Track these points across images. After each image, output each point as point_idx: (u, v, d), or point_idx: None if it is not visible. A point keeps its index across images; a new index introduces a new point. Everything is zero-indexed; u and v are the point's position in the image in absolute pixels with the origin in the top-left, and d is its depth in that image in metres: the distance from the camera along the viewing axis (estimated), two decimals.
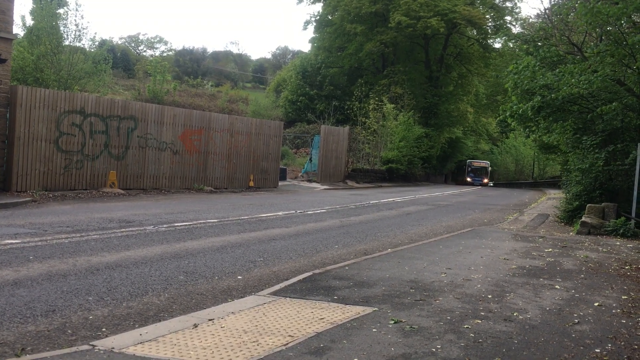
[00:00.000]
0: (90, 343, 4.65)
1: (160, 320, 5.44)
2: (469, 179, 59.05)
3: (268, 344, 4.66)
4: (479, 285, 7.23)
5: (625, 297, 7.03)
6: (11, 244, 8.71)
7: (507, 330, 5.37)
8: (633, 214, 13.71)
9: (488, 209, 21.49)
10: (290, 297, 6.26)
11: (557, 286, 7.45)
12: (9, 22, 16.25)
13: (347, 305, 5.99)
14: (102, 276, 7.03)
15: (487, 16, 45.14)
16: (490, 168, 62.85)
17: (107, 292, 6.33)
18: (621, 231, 13.30)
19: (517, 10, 47.92)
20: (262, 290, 6.74)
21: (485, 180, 59.12)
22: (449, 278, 7.61)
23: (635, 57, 13.57)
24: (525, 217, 18.32)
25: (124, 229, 10.80)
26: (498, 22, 44.98)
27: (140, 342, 4.62)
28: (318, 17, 47.46)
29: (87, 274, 7.08)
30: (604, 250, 11.01)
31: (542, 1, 44.39)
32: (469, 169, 59.82)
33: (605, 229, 13.59)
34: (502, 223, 16.31)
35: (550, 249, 10.73)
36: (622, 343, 5.16)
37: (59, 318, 5.37)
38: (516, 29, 37.79)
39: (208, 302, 6.26)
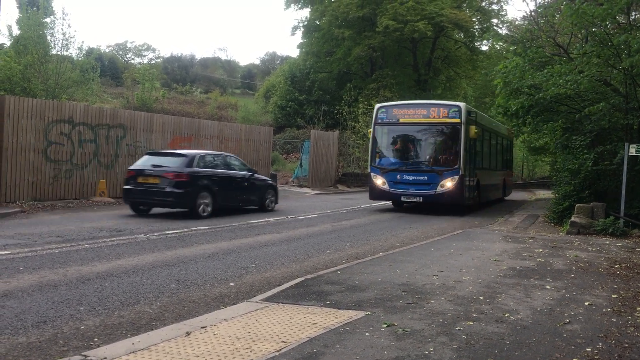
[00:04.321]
0: (82, 353, 4.63)
1: (152, 329, 5.43)
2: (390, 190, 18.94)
3: (261, 350, 4.66)
4: (470, 287, 7.26)
5: (615, 295, 7.08)
6: (0, 255, 8.66)
7: (498, 331, 5.39)
8: (621, 213, 13.81)
9: (478, 210, 21.55)
10: (282, 303, 6.26)
11: (547, 286, 7.50)
12: None
13: (340, 310, 6.00)
14: (93, 286, 7.01)
15: (474, 19, 45.38)
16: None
17: (98, 302, 6.30)
18: (610, 230, 13.39)
19: (503, 13, 48.24)
20: (255, 296, 6.74)
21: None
22: (440, 280, 7.63)
23: (621, 57, 13.69)
24: (515, 218, 18.39)
25: (114, 238, 10.76)
26: (485, 25, 45.24)
27: (133, 352, 4.60)
28: (306, 23, 47.53)
29: (78, 284, 7.05)
30: (593, 249, 11.08)
31: (527, 3, 44.61)
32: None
33: (594, 228, 13.68)
34: (493, 224, 16.37)
35: (540, 250, 10.78)
36: (613, 341, 5.20)
37: (50, 329, 5.34)
38: (503, 32, 38.04)
39: (200, 309, 6.24)
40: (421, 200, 18.11)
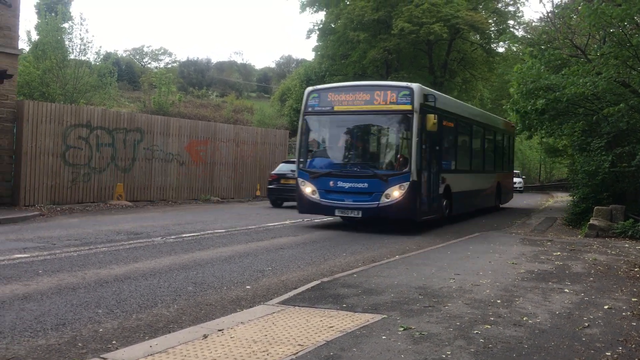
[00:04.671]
0: (101, 356, 4.66)
1: (170, 332, 5.45)
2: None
3: (278, 354, 4.66)
4: (487, 291, 7.21)
5: (635, 299, 6.99)
6: (20, 258, 8.76)
7: (517, 335, 5.35)
8: None
9: (496, 213, 21.42)
10: (299, 306, 6.26)
11: (566, 290, 7.42)
12: (15, 38, 16.42)
13: (356, 313, 5.98)
14: (111, 288, 7.06)
15: (490, 21, 45.15)
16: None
17: (116, 305, 6.35)
18: (630, 233, 13.24)
19: (519, 15, 47.97)
20: (271, 299, 6.75)
21: None
22: (457, 284, 7.59)
23: None
24: (533, 221, 18.26)
25: (132, 241, 10.84)
26: (501, 27, 44.98)
27: (151, 354, 4.63)
28: (321, 26, 47.58)
29: (97, 287, 7.11)
30: (612, 252, 10.96)
31: (544, 4, 44.13)
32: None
33: (613, 231, 13.53)
34: (510, 227, 16.26)
35: (558, 253, 10.69)
36: (633, 345, 5.14)
37: (69, 331, 5.39)
38: (519, 33, 37.78)
39: (217, 312, 6.27)
40: (360, 216, 13.70)
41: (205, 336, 5.12)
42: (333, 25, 46.48)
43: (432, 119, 13.58)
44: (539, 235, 14.13)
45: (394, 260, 9.51)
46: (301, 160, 14.64)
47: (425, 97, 13.93)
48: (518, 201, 27.68)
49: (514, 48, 32.28)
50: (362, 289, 7.13)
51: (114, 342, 5.16)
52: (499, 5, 46.82)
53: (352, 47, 44.97)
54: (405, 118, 13.51)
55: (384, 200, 13.36)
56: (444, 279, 7.86)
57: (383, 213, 13.57)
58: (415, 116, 13.32)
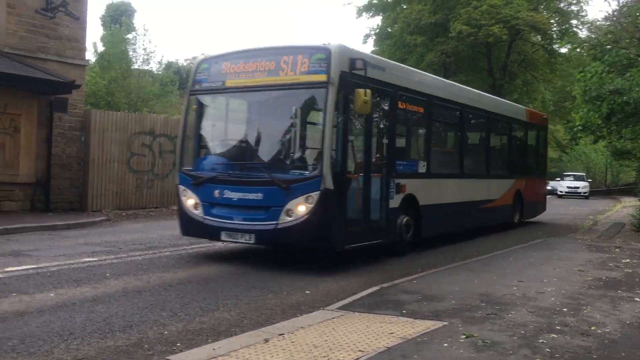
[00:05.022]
0: (167, 358, 4.78)
1: (232, 335, 5.54)
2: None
3: (339, 359, 4.66)
4: (552, 299, 7.01)
5: None
6: (89, 261, 9.09)
7: (585, 345, 5.18)
8: None
9: (558, 218, 20.81)
10: (358, 312, 6.24)
11: (636, 298, 7.14)
12: (82, 50, 17.08)
13: (417, 320, 5.92)
14: (175, 292, 7.23)
15: (552, 21, 44.00)
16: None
17: (180, 308, 6.49)
18: None
19: (583, 14, 46.48)
20: (331, 304, 6.75)
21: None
22: (520, 291, 7.41)
23: None
24: (599, 227, 17.64)
25: (193, 246, 11.08)
26: (563, 27, 43.76)
27: (214, 357, 4.71)
28: (378, 30, 47.55)
29: (161, 290, 7.29)
30: None
31: (609, 3, 42.45)
32: None
33: None
34: (575, 233, 15.76)
35: (627, 260, 10.29)
36: None
37: (136, 333, 5.55)
38: (583, 33, 36.63)
39: (277, 317, 6.32)
40: (252, 242, 9.12)
41: (266, 340, 5.18)
42: (390, 30, 46.37)
43: (362, 95, 8.79)
44: (606, 241, 13.64)
45: (454, 266, 9.39)
46: (182, 159, 10.38)
47: (352, 62, 9.12)
48: (562, 209, 24.62)
49: (577, 49, 31.37)
50: (422, 295, 7.05)
51: (178, 344, 5.28)
52: (561, 4, 45.54)
53: (409, 51, 44.69)
54: (317, 94, 9.06)
55: (284, 218, 8.79)
56: (507, 286, 7.69)
57: (284, 237, 8.98)
58: (332, 90, 8.72)
